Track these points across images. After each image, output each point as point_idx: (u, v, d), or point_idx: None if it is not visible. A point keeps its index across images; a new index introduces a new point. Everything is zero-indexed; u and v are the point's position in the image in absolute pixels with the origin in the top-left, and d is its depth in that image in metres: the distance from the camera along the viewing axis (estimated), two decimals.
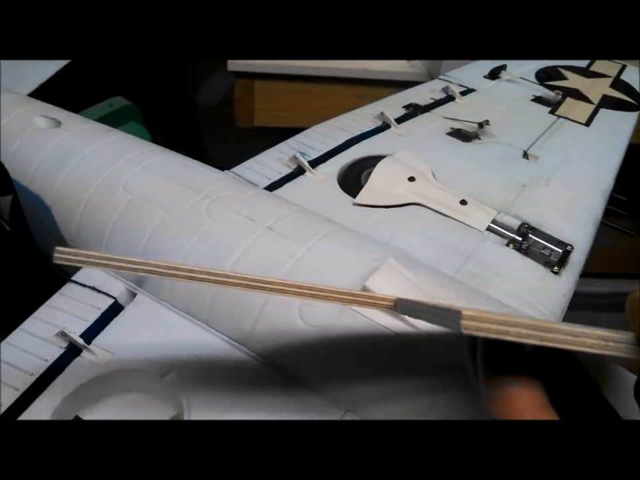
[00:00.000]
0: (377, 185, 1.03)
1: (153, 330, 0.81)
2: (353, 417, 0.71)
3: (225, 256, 0.82)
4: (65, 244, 0.94)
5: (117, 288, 0.86)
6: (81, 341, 0.78)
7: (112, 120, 1.28)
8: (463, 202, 1.00)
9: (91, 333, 0.81)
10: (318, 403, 0.72)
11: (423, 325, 0.69)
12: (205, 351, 0.78)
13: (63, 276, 1.00)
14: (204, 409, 0.72)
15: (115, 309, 0.84)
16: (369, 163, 1.11)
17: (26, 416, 0.72)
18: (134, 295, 0.86)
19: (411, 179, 1.03)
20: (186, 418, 0.71)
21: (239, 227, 0.85)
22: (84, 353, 0.78)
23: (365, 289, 0.73)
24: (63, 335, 0.79)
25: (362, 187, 1.04)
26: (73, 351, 0.79)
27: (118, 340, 0.80)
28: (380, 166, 1.07)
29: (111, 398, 0.78)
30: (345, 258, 0.81)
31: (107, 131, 1.06)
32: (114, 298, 0.85)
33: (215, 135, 2.27)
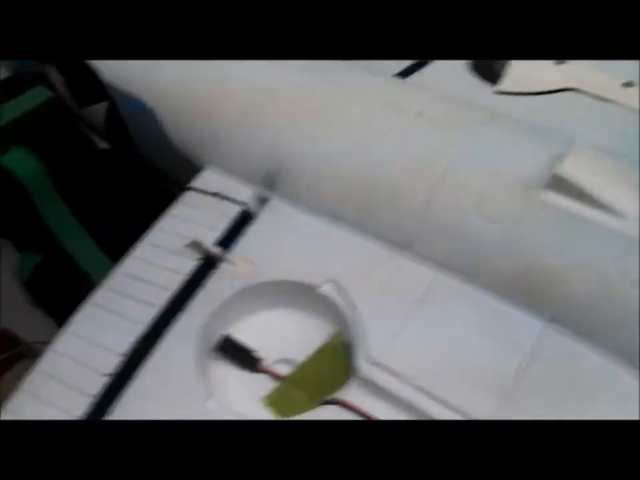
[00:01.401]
0: (521, 69, 0.91)
1: (295, 237, 0.72)
2: (555, 327, 0.62)
3: (371, 143, 0.72)
4: (169, 146, 0.85)
5: (244, 193, 0.78)
6: (217, 251, 0.70)
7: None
8: (628, 84, 0.87)
9: (224, 243, 0.72)
10: (514, 315, 0.63)
11: None
12: (360, 258, 0.69)
13: (171, 183, 0.92)
14: (376, 323, 0.63)
15: (245, 216, 0.76)
16: None
17: (171, 336, 0.65)
18: (264, 200, 0.76)
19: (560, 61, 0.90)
20: (352, 333, 0.63)
21: (383, 114, 0.74)
22: (223, 265, 0.70)
23: (556, 177, 0.63)
24: (195, 245, 0.71)
25: (498, 74, 0.92)
26: (208, 262, 0.71)
27: (257, 249, 0.72)
28: None
29: (257, 314, 0.70)
30: (519, 146, 0.70)
31: None
32: (243, 204, 0.76)
33: None
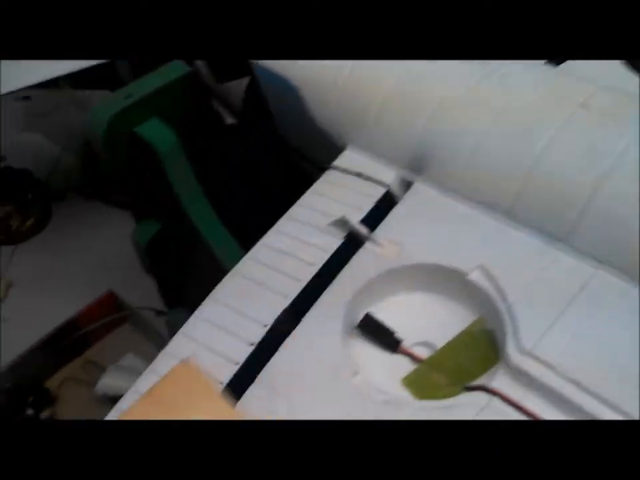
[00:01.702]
0: None
1: (442, 221, 0.71)
2: None
3: (531, 131, 0.70)
4: (310, 124, 0.86)
5: (388, 175, 0.77)
6: (364, 230, 0.70)
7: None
8: None
9: (369, 223, 0.72)
10: None
11: None
12: (512, 248, 0.67)
13: (308, 162, 0.92)
14: (528, 313, 0.62)
15: (388, 199, 0.75)
16: None
17: (316, 311, 0.66)
18: (408, 183, 0.76)
19: None
20: (501, 321, 0.63)
21: (544, 103, 0.72)
22: (367, 244, 0.70)
23: None
24: (342, 223, 0.71)
25: None
26: (353, 241, 0.71)
27: (402, 232, 0.71)
28: None
29: (399, 296, 0.70)
30: None
31: None
32: (386, 186, 0.75)
33: None
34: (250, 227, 0.81)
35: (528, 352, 0.59)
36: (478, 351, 0.64)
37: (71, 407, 1.03)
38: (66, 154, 1.32)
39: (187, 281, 0.97)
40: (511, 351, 0.60)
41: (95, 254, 1.23)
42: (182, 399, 0.57)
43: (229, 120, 1.12)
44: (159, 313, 1.10)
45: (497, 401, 0.58)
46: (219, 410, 0.56)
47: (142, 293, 1.11)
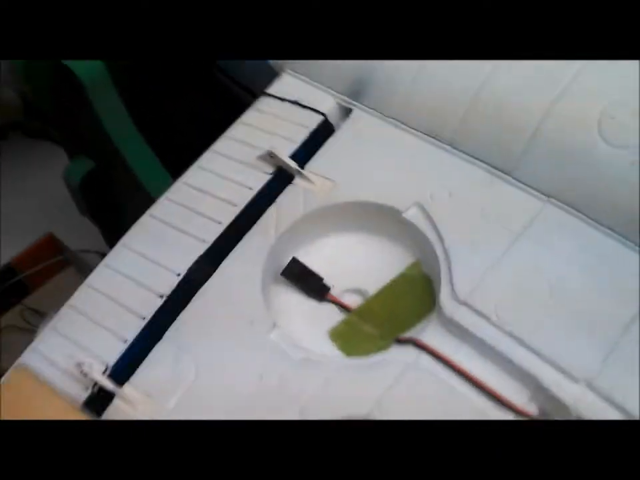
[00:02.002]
0: None
1: (381, 153, 0.64)
2: None
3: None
4: None
5: (326, 102, 0.69)
6: (293, 165, 0.63)
7: None
8: None
9: (301, 157, 0.65)
10: (631, 258, 0.54)
11: None
12: (454, 181, 0.60)
13: (245, 90, 0.84)
14: (467, 257, 0.55)
15: (325, 128, 0.68)
16: None
17: (234, 256, 0.59)
18: (348, 110, 0.68)
19: None
20: (437, 266, 0.56)
21: None
22: (297, 180, 0.63)
23: None
24: (269, 157, 0.64)
25: None
26: (281, 177, 0.64)
27: (337, 166, 0.64)
28: None
29: (330, 238, 0.63)
30: None
31: None
32: (323, 114, 0.68)
33: None
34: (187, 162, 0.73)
35: (463, 301, 0.53)
36: (413, 298, 0.58)
37: (11, 356, 0.97)
38: (6, 90, 1.23)
39: (124, 222, 0.90)
40: (445, 299, 0.54)
41: (36, 195, 1.16)
42: (20, 407, 0.51)
43: None
44: (104, 256, 1.03)
45: (425, 357, 0.52)
46: (61, 413, 0.50)
47: (86, 235, 1.04)
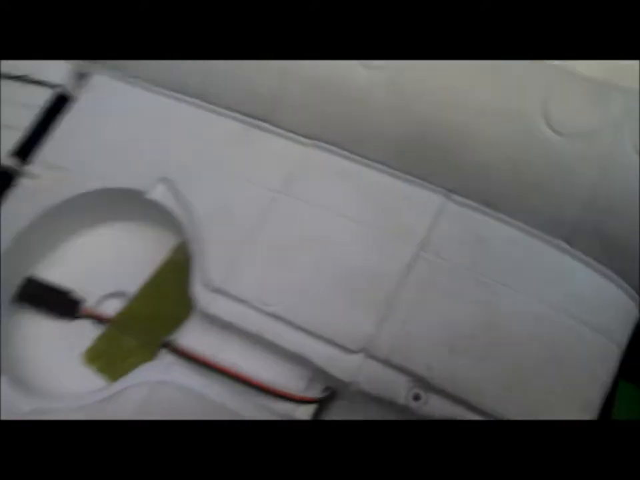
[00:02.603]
0: None
1: (123, 123, 0.54)
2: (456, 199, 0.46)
3: None
4: None
5: (58, 71, 0.58)
6: (13, 163, 0.52)
7: None
8: None
9: (27, 147, 0.54)
10: (406, 191, 0.47)
11: None
12: (203, 139, 0.51)
13: None
14: (220, 235, 0.46)
15: (60, 103, 0.57)
16: None
17: None
18: (84, 76, 0.57)
19: None
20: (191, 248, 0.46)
21: None
22: (22, 181, 0.52)
23: None
24: None
25: None
26: (3, 179, 0.53)
27: (72, 148, 0.54)
28: None
29: (73, 240, 0.53)
30: None
31: None
32: (57, 86, 0.56)
33: None
34: None
35: (217, 288, 0.45)
36: (182, 288, 0.48)
37: None
38: None
39: None
40: (198, 288, 0.46)
41: None
42: None
43: None
44: None
45: (181, 365, 0.43)
46: None
47: None
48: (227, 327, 0.44)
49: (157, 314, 0.49)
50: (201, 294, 0.45)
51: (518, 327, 0.43)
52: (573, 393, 0.43)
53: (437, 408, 0.42)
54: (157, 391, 0.42)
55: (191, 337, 0.45)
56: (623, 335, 0.45)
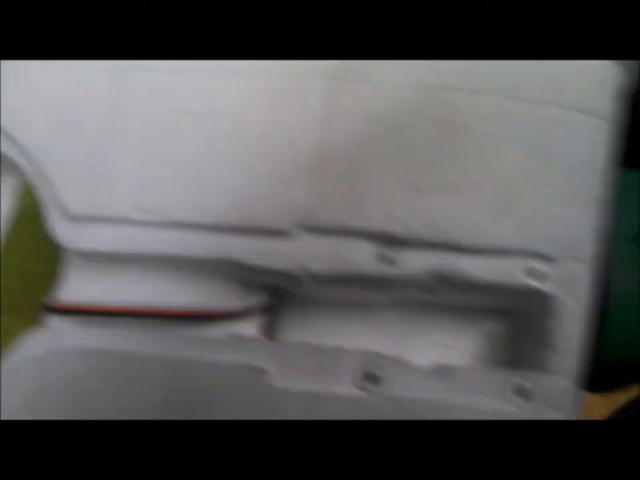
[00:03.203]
0: None
1: None
2: None
3: None
4: None
5: None
6: None
7: None
8: None
9: None
10: None
11: None
12: None
13: None
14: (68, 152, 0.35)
15: None
16: None
17: None
18: None
19: None
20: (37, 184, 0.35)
21: None
22: None
23: None
24: None
25: None
26: None
27: None
28: None
29: None
30: None
31: None
32: None
33: None
34: None
35: (77, 215, 0.35)
36: (38, 243, 0.39)
37: None
38: None
39: None
40: (56, 223, 0.36)
41: None
42: None
43: None
44: None
45: (70, 328, 0.35)
46: None
47: None
48: (114, 260, 0.33)
49: (25, 278, 0.37)
50: (62, 230, 0.34)
51: (490, 130, 0.36)
52: (570, 196, 0.36)
53: (414, 263, 0.34)
54: (50, 365, 0.32)
55: (74, 287, 0.35)
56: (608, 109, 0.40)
